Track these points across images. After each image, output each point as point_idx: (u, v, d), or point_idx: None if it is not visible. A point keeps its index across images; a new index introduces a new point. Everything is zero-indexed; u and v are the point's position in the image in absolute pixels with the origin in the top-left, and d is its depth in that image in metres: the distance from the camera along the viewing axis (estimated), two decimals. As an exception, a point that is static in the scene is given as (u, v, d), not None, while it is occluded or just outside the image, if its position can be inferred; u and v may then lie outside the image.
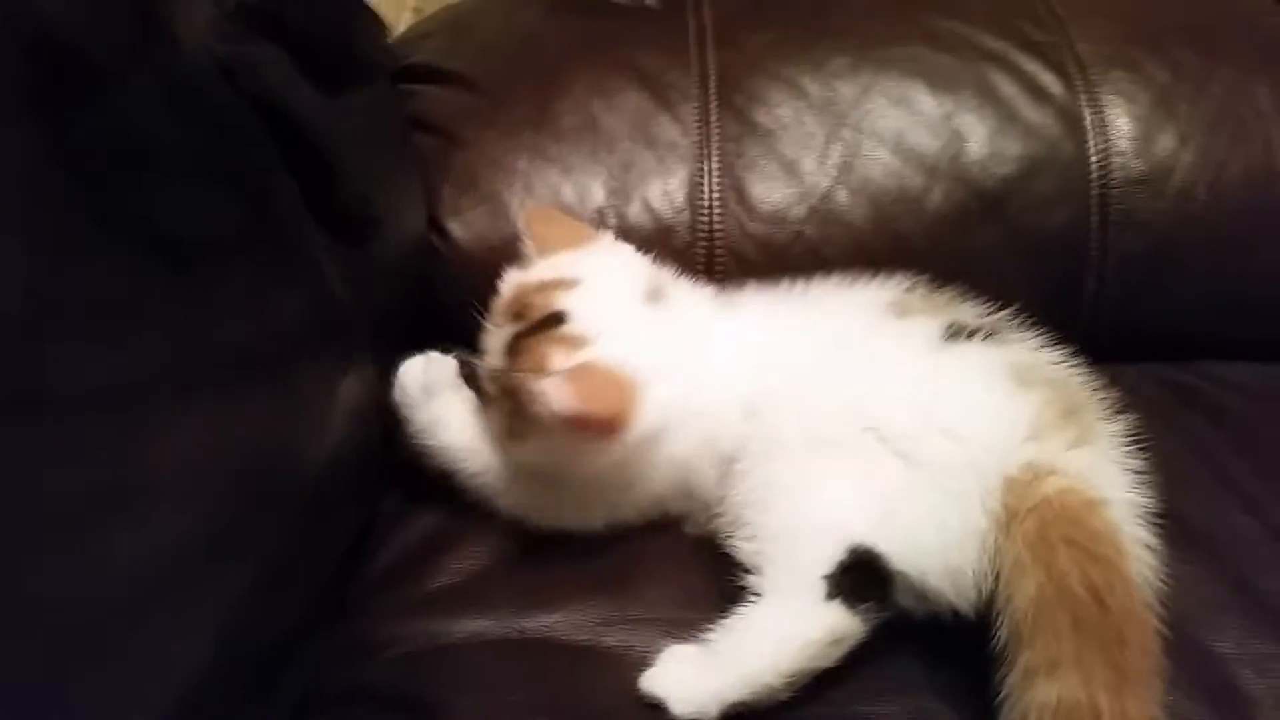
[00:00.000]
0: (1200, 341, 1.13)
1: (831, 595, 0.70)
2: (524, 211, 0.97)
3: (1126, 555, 0.69)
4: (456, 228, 1.09)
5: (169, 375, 0.58)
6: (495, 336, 0.87)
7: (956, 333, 0.82)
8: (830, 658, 0.70)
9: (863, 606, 0.71)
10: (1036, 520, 0.69)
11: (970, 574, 0.70)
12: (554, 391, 0.74)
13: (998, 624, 0.67)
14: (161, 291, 0.58)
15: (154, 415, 0.56)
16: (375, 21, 1.06)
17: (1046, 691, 0.63)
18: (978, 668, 0.70)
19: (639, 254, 0.95)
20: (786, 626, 0.70)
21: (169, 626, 0.56)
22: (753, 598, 0.73)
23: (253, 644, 0.66)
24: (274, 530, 0.68)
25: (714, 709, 0.69)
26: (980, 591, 0.70)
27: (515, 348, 0.83)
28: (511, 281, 0.90)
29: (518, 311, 0.86)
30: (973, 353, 0.81)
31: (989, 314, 0.87)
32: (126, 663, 0.53)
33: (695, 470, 0.84)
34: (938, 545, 0.71)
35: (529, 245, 0.93)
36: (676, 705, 0.70)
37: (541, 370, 0.78)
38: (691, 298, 0.92)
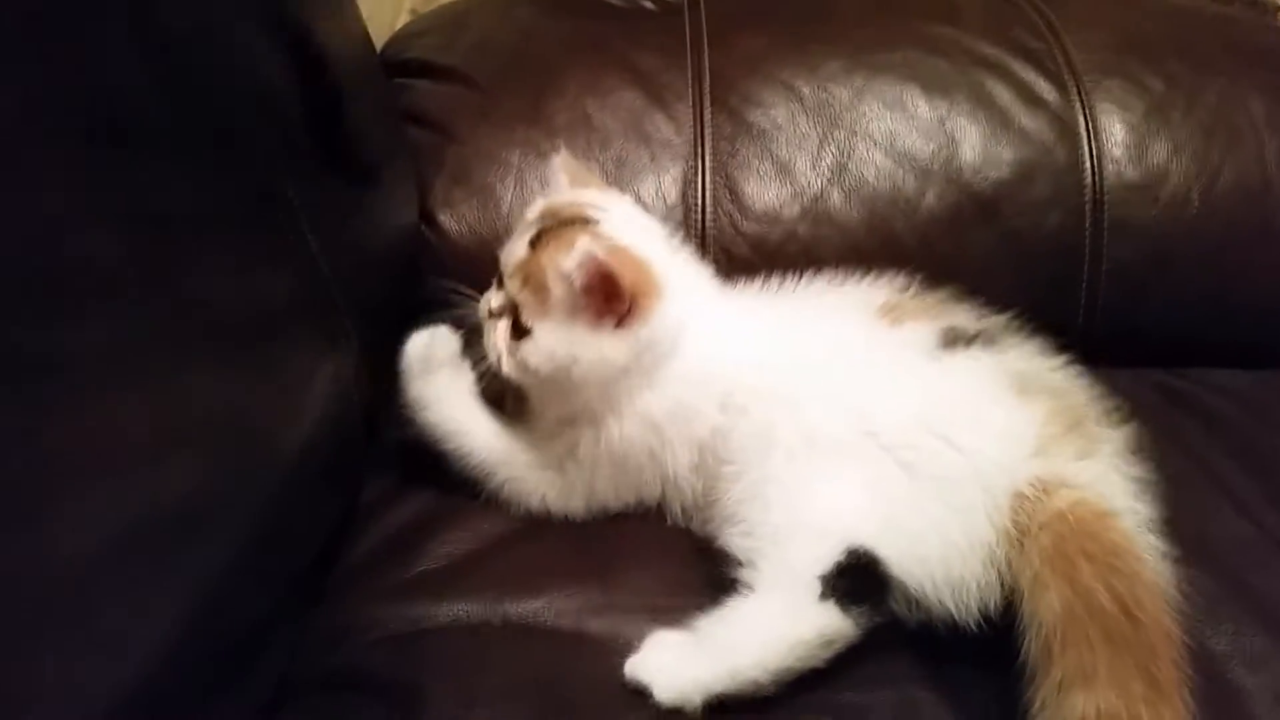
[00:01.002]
0: (1192, 347, 1.13)
1: (826, 596, 0.69)
2: (561, 152, 0.97)
3: (1146, 566, 0.68)
4: (448, 219, 1.09)
5: (145, 343, 0.57)
6: (517, 242, 0.85)
7: (954, 340, 0.81)
8: (820, 658, 0.69)
9: (857, 610, 0.69)
10: (1052, 535, 0.68)
11: (974, 587, 0.69)
12: (590, 248, 0.76)
13: (1023, 639, 0.65)
14: (140, 260, 0.57)
15: (125, 382, 0.55)
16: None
17: (1084, 704, 0.61)
18: (965, 658, 0.70)
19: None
20: (777, 624, 0.69)
21: (138, 597, 0.55)
22: (744, 591, 0.72)
23: (228, 621, 0.65)
24: (250, 505, 0.66)
25: (698, 698, 0.67)
26: (983, 605, 0.69)
27: (541, 240, 0.83)
28: (539, 203, 0.91)
29: (546, 216, 0.86)
30: (972, 361, 0.79)
31: (983, 318, 0.86)
32: (90, 632, 0.52)
33: (669, 443, 0.83)
34: (939, 556, 0.70)
35: (562, 179, 0.93)
36: (661, 692, 0.68)
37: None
38: (698, 269, 0.92)
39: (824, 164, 1.13)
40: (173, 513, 0.58)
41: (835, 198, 1.12)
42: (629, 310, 0.79)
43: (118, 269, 0.55)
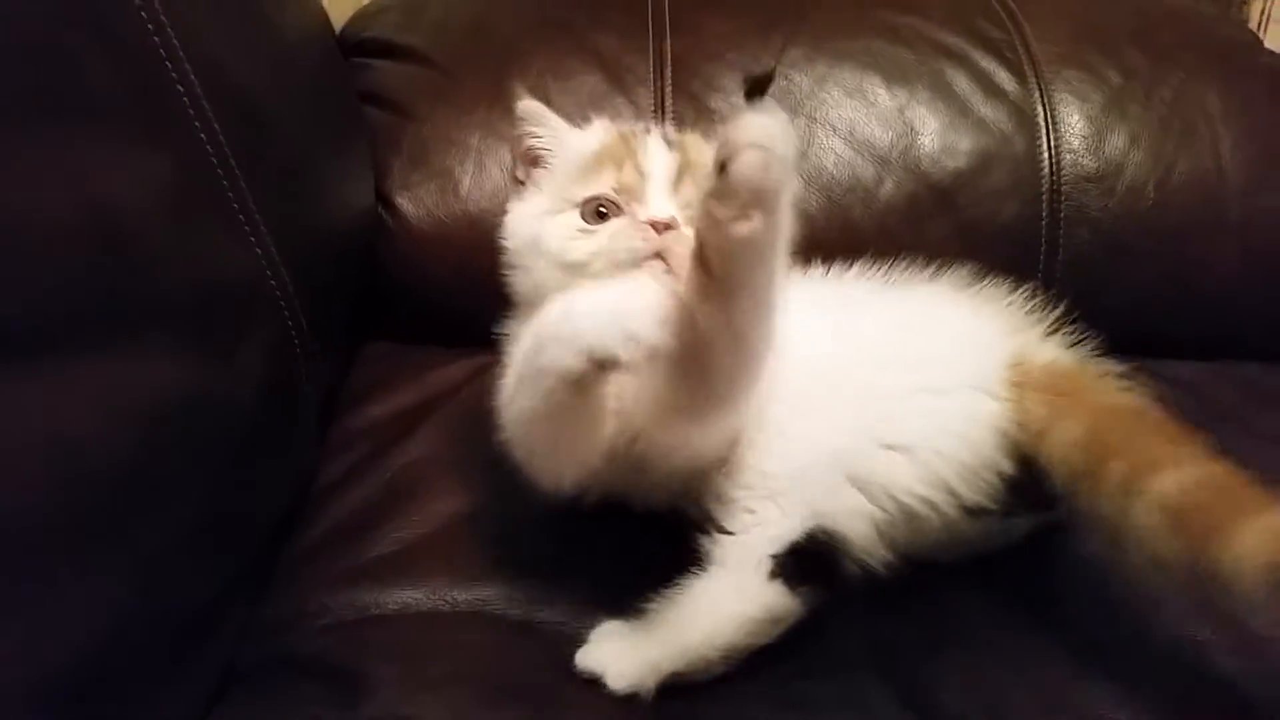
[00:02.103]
0: (1146, 338, 1.14)
1: (775, 575, 0.70)
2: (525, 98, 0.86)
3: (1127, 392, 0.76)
4: (405, 202, 1.08)
5: (92, 315, 0.56)
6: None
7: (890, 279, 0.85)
8: (768, 635, 0.70)
9: (804, 589, 0.70)
10: (1048, 381, 0.75)
11: (986, 467, 0.73)
12: None
13: (1051, 476, 0.71)
14: (86, 234, 0.56)
15: (70, 355, 0.54)
16: None
17: (1172, 479, 0.66)
18: (917, 650, 0.72)
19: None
20: (726, 602, 0.70)
21: (80, 571, 0.54)
22: (697, 570, 0.72)
23: (173, 601, 0.64)
24: (195, 483, 0.66)
25: (651, 680, 0.68)
26: (1000, 475, 0.73)
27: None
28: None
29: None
30: (925, 283, 0.84)
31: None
32: (30, 605, 0.51)
33: None
34: (947, 450, 0.73)
35: (554, 118, 0.82)
36: (613, 680, 0.68)
37: None
38: None
39: (784, 151, 1.13)
40: (117, 487, 0.57)
41: (794, 185, 1.12)
42: None
43: (65, 241, 0.54)
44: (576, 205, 0.75)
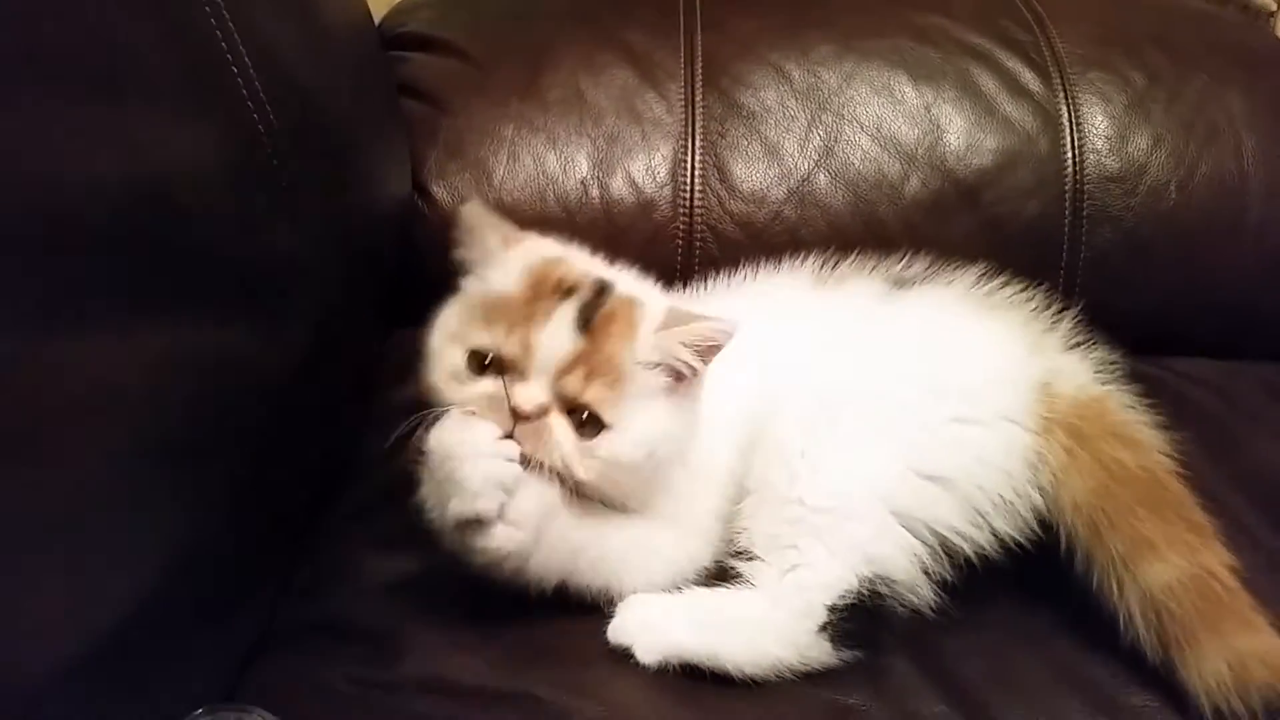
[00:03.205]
0: (1164, 336, 1.16)
1: (823, 629, 0.70)
2: (470, 202, 0.86)
3: (1146, 433, 0.77)
4: (441, 191, 1.11)
5: (138, 288, 0.58)
6: (548, 332, 0.71)
7: (903, 282, 0.86)
8: (791, 677, 0.71)
9: (848, 650, 0.71)
10: (1074, 419, 0.75)
11: (1022, 502, 0.75)
12: (714, 330, 0.71)
13: (1058, 529, 0.74)
14: (137, 206, 0.58)
15: (118, 325, 0.56)
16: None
17: (1160, 573, 0.69)
18: (936, 628, 0.74)
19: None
20: (766, 641, 0.70)
21: (128, 529, 0.57)
22: (746, 580, 0.73)
23: (210, 565, 0.66)
24: (237, 450, 0.68)
25: (675, 661, 0.70)
26: (1034, 510, 0.75)
27: (594, 327, 0.72)
28: (514, 269, 0.76)
29: (552, 289, 0.73)
30: (930, 294, 0.84)
31: (910, 266, 0.90)
32: (86, 559, 0.53)
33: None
34: (988, 483, 0.75)
35: (489, 238, 0.78)
36: (643, 654, 0.71)
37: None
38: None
39: (811, 147, 1.15)
40: (164, 445, 0.59)
41: (821, 180, 1.14)
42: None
43: (118, 210, 0.56)
44: (464, 348, 0.73)
